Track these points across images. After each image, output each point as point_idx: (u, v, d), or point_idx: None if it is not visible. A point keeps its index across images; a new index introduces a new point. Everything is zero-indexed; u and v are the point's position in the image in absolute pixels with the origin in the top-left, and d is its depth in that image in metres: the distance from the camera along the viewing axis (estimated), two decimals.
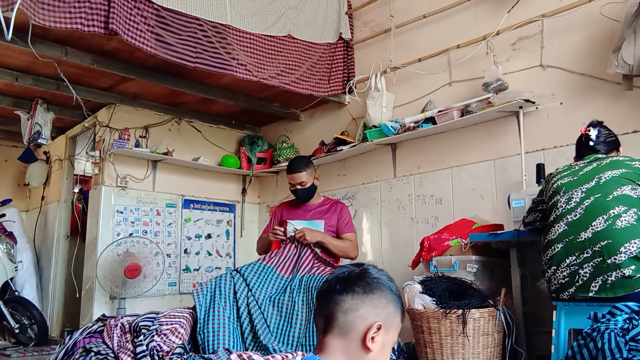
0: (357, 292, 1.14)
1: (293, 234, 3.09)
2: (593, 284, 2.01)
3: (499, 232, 2.88)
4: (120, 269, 4.01)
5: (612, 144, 2.39)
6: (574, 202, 2.17)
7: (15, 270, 4.66)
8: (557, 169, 2.43)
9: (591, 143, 2.35)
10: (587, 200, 2.13)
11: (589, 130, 2.38)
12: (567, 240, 2.13)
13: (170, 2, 3.36)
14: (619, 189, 2.09)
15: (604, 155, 2.31)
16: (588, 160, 2.30)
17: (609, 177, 2.14)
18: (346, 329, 1.12)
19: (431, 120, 3.60)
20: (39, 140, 4.38)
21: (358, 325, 1.12)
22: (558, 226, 2.19)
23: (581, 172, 2.25)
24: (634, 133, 2.84)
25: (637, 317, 1.73)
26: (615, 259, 1.96)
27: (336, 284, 1.17)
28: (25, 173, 5.51)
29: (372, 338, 1.11)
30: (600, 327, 1.72)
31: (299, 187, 3.25)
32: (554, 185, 2.31)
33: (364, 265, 1.21)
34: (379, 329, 1.11)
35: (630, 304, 1.79)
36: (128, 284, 4.04)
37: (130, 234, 4.38)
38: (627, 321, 1.72)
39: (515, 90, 3.22)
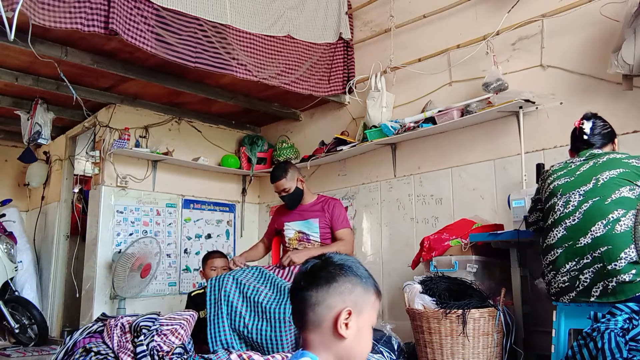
0: (321, 284, 1.14)
1: (284, 261, 3.12)
2: (594, 289, 2.00)
3: (499, 232, 2.87)
4: (135, 269, 4.01)
5: (607, 136, 2.34)
6: (572, 206, 2.15)
7: (15, 270, 4.66)
8: (552, 167, 2.39)
9: (585, 137, 2.32)
10: (586, 204, 2.10)
11: (582, 124, 2.34)
12: (566, 245, 2.12)
13: (170, 2, 3.36)
14: (617, 191, 2.06)
15: (600, 151, 2.27)
16: (584, 158, 2.26)
17: (606, 178, 2.11)
18: (317, 322, 1.13)
19: (431, 120, 3.60)
20: (39, 140, 4.38)
21: (326, 315, 1.12)
22: (557, 231, 2.17)
23: (578, 172, 2.22)
24: (634, 133, 2.84)
25: (637, 317, 1.73)
26: (615, 265, 1.95)
27: (301, 280, 1.17)
28: (25, 173, 5.51)
29: (346, 325, 1.11)
30: (600, 327, 1.72)
31: (283, 193, 3.35)
32: (551, 186, 2.29)
33: (326, 255, 1.21)
34: (349, 314, 1.12)
35: (630, 304, 1.80)
36: (135, 283, 4.04)
37: (130, 234, 4.38)
38: (627, 321, 1.72)
39: (515, 90, 3.21)
